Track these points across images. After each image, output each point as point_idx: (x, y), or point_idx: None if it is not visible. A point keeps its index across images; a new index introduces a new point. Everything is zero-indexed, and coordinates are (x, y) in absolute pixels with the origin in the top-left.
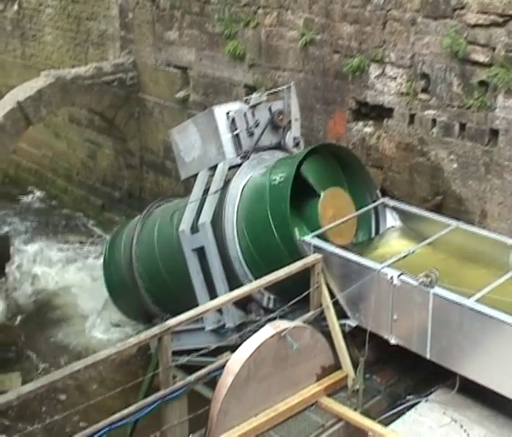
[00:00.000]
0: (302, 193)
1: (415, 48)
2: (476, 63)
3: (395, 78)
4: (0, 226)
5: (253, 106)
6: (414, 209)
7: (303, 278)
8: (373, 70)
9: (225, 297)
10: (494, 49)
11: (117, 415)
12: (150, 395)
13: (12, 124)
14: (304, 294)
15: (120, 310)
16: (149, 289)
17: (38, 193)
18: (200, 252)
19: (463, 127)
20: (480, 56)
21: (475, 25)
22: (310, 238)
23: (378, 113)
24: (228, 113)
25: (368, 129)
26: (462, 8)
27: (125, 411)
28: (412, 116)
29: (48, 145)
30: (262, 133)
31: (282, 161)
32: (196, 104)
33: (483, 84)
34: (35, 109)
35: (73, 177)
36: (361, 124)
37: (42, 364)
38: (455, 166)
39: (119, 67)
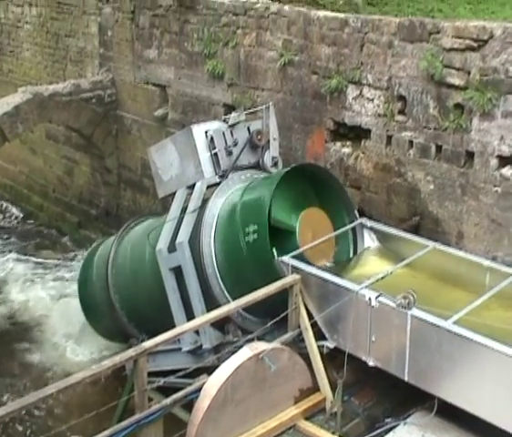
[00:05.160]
0: (278, 212)
1: (392, 70)
2: (451, 86)
3: (373, 100)
4: None
5: (232, 126)
6: (391, 230)
7: (282, 298)
8: (351, 91)
9: (202, 318)
10: (469, 73)
11: None
12: (125, 419)
13: None
14: (282, 315)
15: (96, 330)
16: (126, 309)
17: (14, 210)
18: (177, 272)
19: (439, 148)
20: (456, 80)
21: (450, 49)
22: (288, 259)
23: (356, 134)
24: (206, 132)
25: (346, 150)
26: (438, 32)
27: (99, 436)
28: (389, 138)
29: (24, 161)
30: (241, 152)
31: (259, 181)
32: (174, 122)
33: (458, 106)
34: (12, 125)
35: (49, 193)
36: (339, 144)
37: (12, 387)
38: (431, 187)
39: (98, 84)
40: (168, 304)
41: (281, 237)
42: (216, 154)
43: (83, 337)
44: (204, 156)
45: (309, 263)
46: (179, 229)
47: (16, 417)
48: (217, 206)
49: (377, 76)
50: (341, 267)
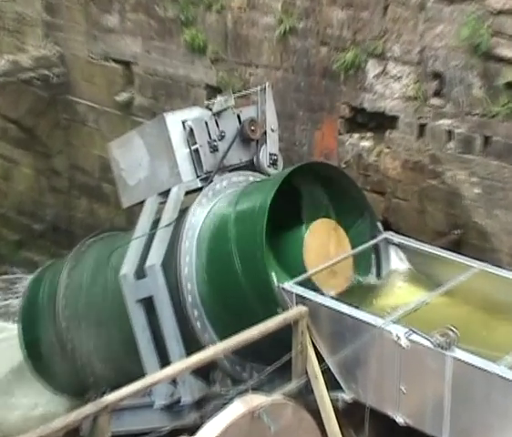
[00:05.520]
0: (279, 226)
1: (425, 40)
2: (502, 59)
3: (400, 78)
4: None
5: (217, 114)
6: (425, 247)
7: (284, 337)
8: (372, 68)
9: (181, 363)
10: None
11: None
12: None
13: None
14: (284, 359)
15: (42, 380)
16: (81, 353)
17: None
18: (148, 304)
19: (487, 140)
20: (507, 51)
21: (500, 12)
22: (291, 285)
23: (378, 122)
24: (184, 122)
25: (366, 143)
26: None
27: None
28: (421, 127)
29: None
30: (229, 148)
31: (254, 186)
32: (142, 109)
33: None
34: None
35: None
36: (356, 136)
37: None
38: (477, 191)
39: (42, 62)
40: (135, 346)
41: (284, 257)
42: (197, 150)
43: (23, 383)
44: (181, 153)
45: (319, 291)
46: (149, 249)
47: None
48: (199, 218)
49: (406, 48)
50: (360, 295)
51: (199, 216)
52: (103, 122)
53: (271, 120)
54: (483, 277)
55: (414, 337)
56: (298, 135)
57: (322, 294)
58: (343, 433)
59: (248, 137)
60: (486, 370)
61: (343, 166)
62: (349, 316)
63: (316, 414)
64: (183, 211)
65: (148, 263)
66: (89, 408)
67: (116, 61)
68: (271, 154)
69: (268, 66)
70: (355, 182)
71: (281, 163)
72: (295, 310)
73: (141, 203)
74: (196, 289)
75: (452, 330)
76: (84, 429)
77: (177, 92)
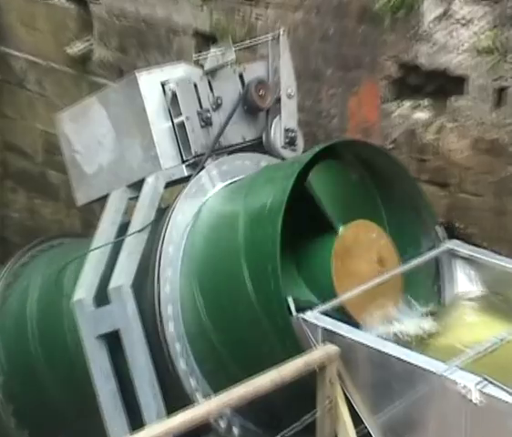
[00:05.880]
0: (300, 230)
1: None
2: None
3: (470, 22)
4: None
5: (211, 73)
6: (504, 263)
7: (305, 389)
8: (431, 8)
9: (159, 426)
10: None
11: None
12: None
13: None
14: (307, 419)
15: None
16: (16, 405)
17: None
18: (113, 340)
19: None
20: None
21: None
22: (316, 315)
23: (439, 86)
24: (164, 84)
25: (421, 115)
26: None
27: None
28: (500, 92)
29: None
30: (228, 121)
31: (267, 174)
32: (105, 66)
33: None
34: None
35: None
36: (408, 105)
37: None
38: None
39: None
40: (95, 399)
41: (307, 274)
42: (182, 124)
43: None
44: (160, 128)
45: (355, 323)
46: (114, 264)
47: None
48: (187, 216)
49: None
50: (414, 330)
51: (187, 213)
52: (48, 84)
53: (288, 82)
54: None
55: (490, 389)
56: (325, 103)
57: (360, 328)
58: None
59: (254, 105)
60: None
61: (389, 146)
62: (398, 359)
63: None
64: (163, 211)
65: (112, 284)
66: None
67: None
68: (287, 129)
69: (282, 4)
70: (407, 169)
71: (301, 142)
72: (321, 351)
73: (103, 199)
74: (180, 314)
75: None
76: None
77: (154, 42)
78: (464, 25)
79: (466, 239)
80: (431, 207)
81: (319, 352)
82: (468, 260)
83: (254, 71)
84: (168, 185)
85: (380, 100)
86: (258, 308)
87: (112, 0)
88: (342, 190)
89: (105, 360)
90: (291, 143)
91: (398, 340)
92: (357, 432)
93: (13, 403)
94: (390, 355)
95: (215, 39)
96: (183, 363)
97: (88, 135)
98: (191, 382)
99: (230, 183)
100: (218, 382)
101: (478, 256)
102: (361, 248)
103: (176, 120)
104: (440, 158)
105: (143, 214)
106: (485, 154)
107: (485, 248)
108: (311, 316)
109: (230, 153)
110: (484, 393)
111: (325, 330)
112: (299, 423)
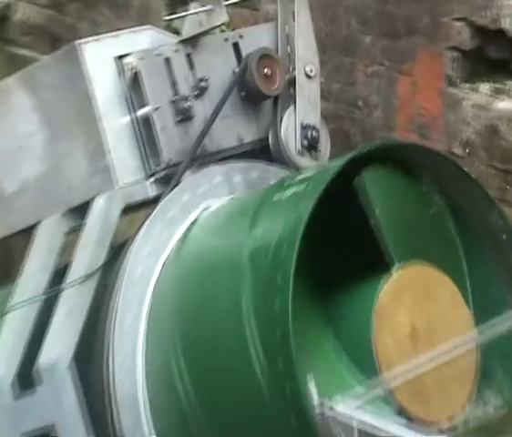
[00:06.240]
0: (327, 270)
1: None
2: None
3: None
4: None
5: (191, 42)
6: None
7: None
8: None
9: None
10: None
11: None
12: None
13: None
14: None
15: None
16: None
17: None
18: None
19: None
20: None
21: None
22: (348, 409)
23: None
24: (121, 57)
25: (506, 104)
26: None
27: None
28: None
29: None
30: (216, 114)
31: (278, 193)
32: (31, 31)
33: None
34: None
35: None
36: (486, 88)
37: None
38: None
39: None
40: None
41: (336, 332)
42: (148, 119)
43: None
44: (115, 125)
45: (406, 419)
46: (46, 328)
47: None
48: (156, 260)
49: None
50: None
51: (158, 251)
52: None
53: (306, 56)
54: None
55: None
56: (362, 86)
57: (412, 428)
58: None
59: (256, 90)
60: None
61: (458, 151)
62: None
63: None
64: (119, 248)
65: (43, 359)
66: None
67: None
68: (305, 126)
69: None
70: (484, 187)
71: (326, 145)
72: None
73: (29, 230)
74: (147, 401)
75: None
76: None
77: None
78: None
79: None
80: None
81: None
82: None
83: (256, 39)
84: (127, 210)
85: (444, 82)
86: (268, 397)
87: None
88: (389, 219)
89: None
90: (311, 146)
91: None
92: None
93: None
94: None
95: None
96: None
97: (6, 135)
98: None
99: (224, 204)
100: None
101: None
102: (417, 302)
103: (139, 113)
104: None
105: (89, 254)
106: None
107: None
108: (341, 410)
109: (220, 161)
110: None
111: (362, 431)
112: None
